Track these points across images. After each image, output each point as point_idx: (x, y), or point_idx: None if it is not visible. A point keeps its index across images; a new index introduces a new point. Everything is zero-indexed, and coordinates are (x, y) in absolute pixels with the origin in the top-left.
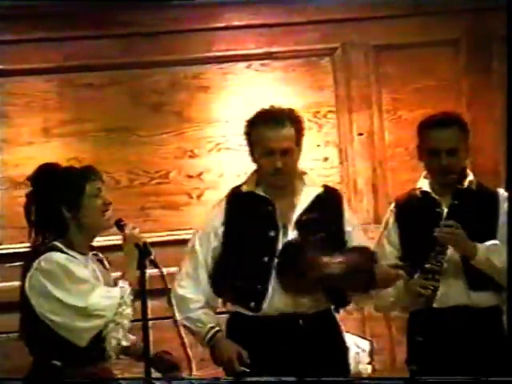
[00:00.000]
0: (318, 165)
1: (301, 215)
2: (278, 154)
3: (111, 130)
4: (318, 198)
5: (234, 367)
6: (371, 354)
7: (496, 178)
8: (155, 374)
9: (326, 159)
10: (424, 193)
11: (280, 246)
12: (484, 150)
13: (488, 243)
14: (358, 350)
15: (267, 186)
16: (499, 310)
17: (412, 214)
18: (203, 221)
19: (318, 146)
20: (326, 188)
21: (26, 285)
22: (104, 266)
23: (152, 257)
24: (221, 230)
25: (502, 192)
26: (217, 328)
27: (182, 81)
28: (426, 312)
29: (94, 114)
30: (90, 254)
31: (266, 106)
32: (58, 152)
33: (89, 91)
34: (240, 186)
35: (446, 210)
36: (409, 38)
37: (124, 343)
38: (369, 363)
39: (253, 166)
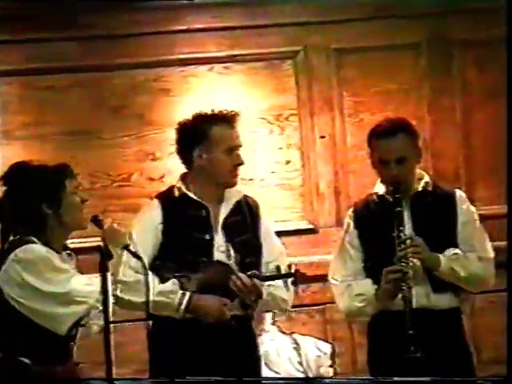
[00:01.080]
0: (280, 168)
1: (226, 218)
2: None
3: (72, 133)
4: (238, 204)
5: (225, 314)
6: (332, 356)
7: (456, 181)
8: None
9: (288, 162)
10: (380, 197)
11: (215, 248)
12: (444, 153)
13: (449, 252)
14: (319, 353)
15: (199, 190)
16: (459, 311)
17: (370, 217)
18: (139, 221)
19: (281, 148)
20: (245, 196)
21: (0, 278)
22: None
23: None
24: (160, 227)
25: (459, 192)
26: (187, 292)
27: (144, 84)
28: (408, 313)
29: (55, 116)
30: (64, 252)
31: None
32: (18, 155)
33: (50, 94)
34: (170, 189)
35: (405, 213)
36: (370, 42)
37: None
38: (330, 366)
39: None
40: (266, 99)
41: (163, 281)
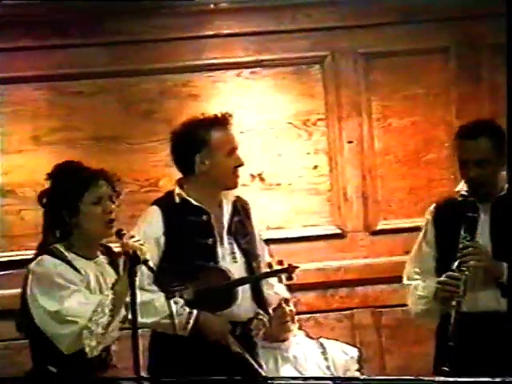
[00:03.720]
0: (307, 172)
1: (229, 222)
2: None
3: (101, 138)
4: (234, 205)
5: (227, 336)
6: (359, 361)
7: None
8: None
9: (315, 167)
10: (463, 196)
11: (219, 252)
12: None
13: None
14: (346, 357)
15: (198, 195)
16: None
17: (448, 216)
18: (140, 231)
19: (308, 153)
20: (238, 197)
21: (28, 289)
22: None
23: (148, 263)
24: (162, 239)
25: None
26: (194, 310)
27: (172, 89)
28: (455, 316)
29: (84, 122)
30: (101, 257)
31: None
32: (47, 160)
33: (78, 99)
34: (169, 195)
35: (482, 216)
36: (398, 46)
37: (95, 352)
38: (358, 370)
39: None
40: (293, 104)
41: (168, 296)
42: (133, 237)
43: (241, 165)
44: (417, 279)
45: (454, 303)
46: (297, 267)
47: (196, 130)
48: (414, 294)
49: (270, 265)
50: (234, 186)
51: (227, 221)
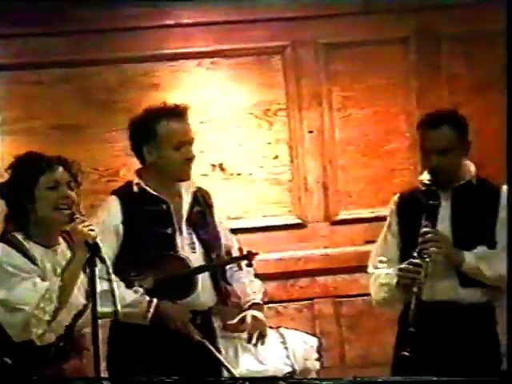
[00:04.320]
0: (268, 162)
1: (189, 211)
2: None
3: (61, 128)
4: (195, 196)
5: (188, 324)
6: (319, 350)
7: None
8: None
9: (276, 157)
10: (425, 185)
11: (178, 242)
12: None
13: (478, 250)
14: (305, 346)
15: (157, 184)
16: (490, 306)
17: (411, 205)
18: (98, 221)
19: (269, 143)
20: (199, 188)
21: None
22: None
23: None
24: (121, 228)
25: (505, 187)
26: (154, 299)
27: (133, 78)
28: (415, 302)
29: (44, 111)
30: (63, 244)
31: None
32: (7, 149)
33: (38, 89)
34: (128, 185)
35: (443, 203)
36: (358, 36)
37: (44, 340)
38: (317, 359)
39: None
40: (254, 94)
41: (128, 285)
42: (84, 221)
43: (189, 158)
44: (381, 268)
45: (414, 289)
46: (256, 254)
47: (145, 121)
48: (376, 283)
49: (228, 252)
50: (186, 178)
51: (186, 211)
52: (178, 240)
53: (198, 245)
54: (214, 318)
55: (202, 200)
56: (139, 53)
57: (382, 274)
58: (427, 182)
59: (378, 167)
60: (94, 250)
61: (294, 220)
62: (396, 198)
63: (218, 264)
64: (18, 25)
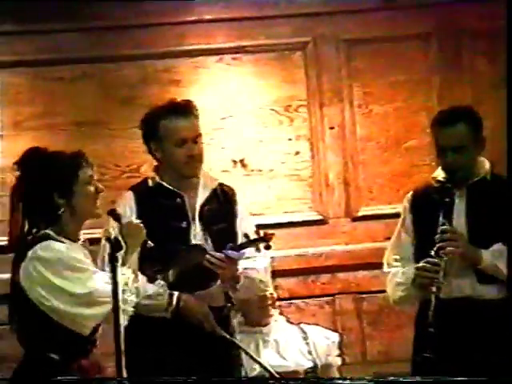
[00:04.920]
0: (289, 159)
1: (202, 207)
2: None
3: (82, 124)
4: (215, 191)
5: (209, 319)
6: (340, 346)
7: None
8: None
9: (297, 153)
10: (439, 182)
11: (192, 236)
12: None
13: (494, 247)
14: (327, 341)
15: (172, 179)
16: (508, 302)
17: (426, 202)
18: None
19: (290, 139)
20: (221, 184)
21: (21, 275)
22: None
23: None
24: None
25: None
26: (174, 292)
27: (153, 74)
28: (434, 302)
29: (65, 107)
30: (80, 242)
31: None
32: (28, 145)
33: (60, 85)
34: (145, 180)
35: (458, 201)
36: (380, 32)
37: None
38: (338, 355)
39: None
40: (275, 90)
41: (150, 280)
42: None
43: (191, 155)
44: (396, 266)
45: (433, 289)
46: (273, 234)
47: (149, 119)
48: (392, 281)
49: (246, 235)
50: (192, 175)
51: (199, 206)
52: (192, 233)
53: (209, 242)
54: (232, 314)
55: (222, 197)
56: (160, 49)
57: (398, 273)
58: (442, 179)
59: (398, 163)
60: (115, 246)
61: (314, 216)
62: (409, 195)
63: (239, 246)
64: (41, 21)
